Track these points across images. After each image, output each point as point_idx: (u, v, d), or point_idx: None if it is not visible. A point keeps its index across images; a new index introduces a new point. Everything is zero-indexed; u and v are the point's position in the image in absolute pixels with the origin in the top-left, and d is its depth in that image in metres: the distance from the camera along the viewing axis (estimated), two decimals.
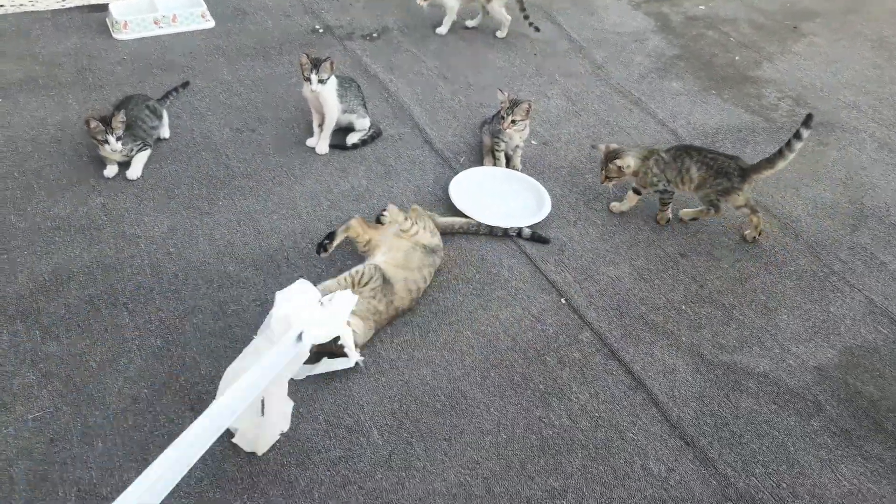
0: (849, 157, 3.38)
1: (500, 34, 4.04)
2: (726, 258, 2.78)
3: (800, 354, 2.42)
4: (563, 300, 2.54)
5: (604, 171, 2.82)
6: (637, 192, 2.88)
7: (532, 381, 2.27)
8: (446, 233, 2.71)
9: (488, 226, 2.78)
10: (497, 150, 3.09)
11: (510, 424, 2.14)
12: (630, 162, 2.78)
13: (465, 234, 2.77)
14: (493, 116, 3.12)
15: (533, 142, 3.30)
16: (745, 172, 2.73)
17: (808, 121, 2.66)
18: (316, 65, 2.89)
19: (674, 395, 2.25)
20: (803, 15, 4.63)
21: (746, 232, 2.85)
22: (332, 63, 2.93)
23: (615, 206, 2.93)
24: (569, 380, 2.28)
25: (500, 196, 2.96)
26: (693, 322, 2.51)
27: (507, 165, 3.13)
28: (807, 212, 3.04)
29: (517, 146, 3.11)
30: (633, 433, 2.14)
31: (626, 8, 4.52)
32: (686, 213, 2.89)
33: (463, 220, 2.79)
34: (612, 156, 2.79)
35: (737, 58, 4.12)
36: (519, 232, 2.78)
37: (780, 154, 2.69)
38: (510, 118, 2.96)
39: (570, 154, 3.25)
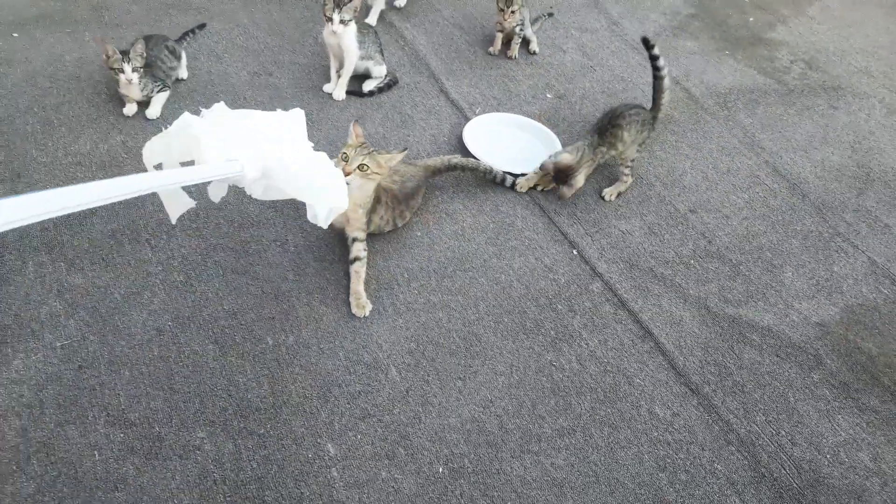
0: (858, 122, 3.41)
1: None
2: (735, 216, 2.84)
3: (803, 310, 2.49)
4: (574, 251, 2.60)
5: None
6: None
7: (543, 327, 2.34)
8: (443, 171, 2.76)
9: (487, 169, 2.79)
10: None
11: (522, 367, 2.21)
12: (566, 158, 2.69)
13: (478, 183, 2.81)
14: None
15: (548, 95, 3.32)
16: (655, 118, 2.86)
17: (647, 45, 2.78)
18: (339, 5, 2.89)
19: (680, 345, 2.33)
20: None
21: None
22: (356, 5, 2.93)
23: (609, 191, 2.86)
24: (579, 327, 2.35)
25: (511, 142, 3.00)
26: (700, 276, 2.57)
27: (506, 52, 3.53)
28: (815, 174, 3.08)
29: (514, 32, 3.46)
30: (639, 379, 2.22)
31: None
32: (610, 191, 2.83)
33: (460, 158, 2.80)
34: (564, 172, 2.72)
35: (751, 19, 4.12)
36: (513, 184, 2.82)
37: (658, 82, 2.80)
38: (509, 9, 3.33)
39: (584, 109, 3.28)
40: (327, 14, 2.91)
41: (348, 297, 2.32)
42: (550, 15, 3.85)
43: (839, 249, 2.74)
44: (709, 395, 2.20)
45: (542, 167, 2.73)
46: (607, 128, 2.73)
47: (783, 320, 2.46)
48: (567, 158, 2.66)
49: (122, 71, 2.73)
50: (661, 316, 2.41)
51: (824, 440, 2.12)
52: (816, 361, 2.33)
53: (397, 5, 3.72)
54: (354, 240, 2.41)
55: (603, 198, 2.80)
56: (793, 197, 2.96)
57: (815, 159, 3.16)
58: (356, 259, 2.38)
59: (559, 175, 2.68)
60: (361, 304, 2.30)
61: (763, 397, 2.22)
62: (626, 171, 2.80)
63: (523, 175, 2.83)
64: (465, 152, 2.90)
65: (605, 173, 2.91)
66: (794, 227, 2.82)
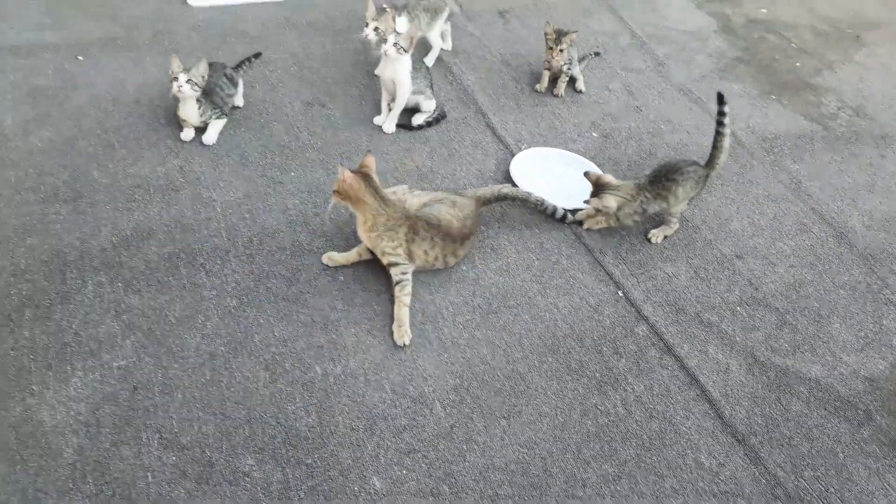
0: None
1: None
2: (781, 263, 2.83)
3: (851, 363, 2.47)
4: (620, 293, 2.61)
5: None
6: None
7: (588, 368, 2.34)
8: (492, 202, 2.79)
9: (538, 200, 2.82)
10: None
11: (567, 409, 2.22)
12: (611, 203, 2.70)
13: (523, 220, 2.83)
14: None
15: (594, 133, 3.35)
16: (707, 176, 2.83)
17: (720, 100, 2.75)
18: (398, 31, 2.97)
19: (727, 394, 2.32)
20: (866, 24, 4.61)
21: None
22: (414, 35, 2.98)
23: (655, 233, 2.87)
24: (624, 371, 2.35)
25: (557, 177, 3.04)
26: (747, 324, 2.56)
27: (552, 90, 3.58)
28: (862, 223, 3.07)
29: (561, 71, 3.51)
30: (685, 427, 2.21)
31: (688, 5, 4.53)
32: (656, 234, 2.84)
33: (513, 189, 2.84)
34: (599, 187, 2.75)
35: (798, 64, 4.13)
36: (563, 217, 2.85)
37: (718, 140, 2.79)
38: (558, 48, 3.38)
39: (629, 148, 3.30)
40: (383, 36, 2.96)
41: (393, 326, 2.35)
42: (597, 55, 3.89)
43: (888, 302, 2.72)
44: (756, 446, 2.18)
45: (585, 175, 2.77)
46: (662, 180, 2.74)
47: (831, 373, 2.44)
48: (609, 185, 2.72)
49: (176, 79, 2.79)
50: (708, 363, 2.41)
51: (875, 500, 2.09)
52: (866, 417, 2.31)
53: (444, 48, 3.74)
54: (389, 265, 2.44)
55: (649, 240, 2.81)
56: (840, 246, 2.94)
57: (862, 208, 3.15)
58: (397, 283, 2.42)
59: (597, 189, 2.73)
60: (402, 332, 2.34)
61: (811, 451, 2.20)
62: (676, 221, 2.82)
63: (576, 210, 2.87)
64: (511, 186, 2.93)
65: (652, 216, 2.90)
66: (841, 277, 2.81)
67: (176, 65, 2.80)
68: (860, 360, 2.48)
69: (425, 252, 2.48)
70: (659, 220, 2.87)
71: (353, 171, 2.38)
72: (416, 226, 2.45)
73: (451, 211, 2.56)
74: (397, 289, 2.41)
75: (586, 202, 2.76)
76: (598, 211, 2.77)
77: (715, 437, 2.19)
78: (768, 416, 2.27)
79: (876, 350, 2.53)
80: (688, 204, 2.82)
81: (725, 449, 2.17)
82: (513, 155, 3.13)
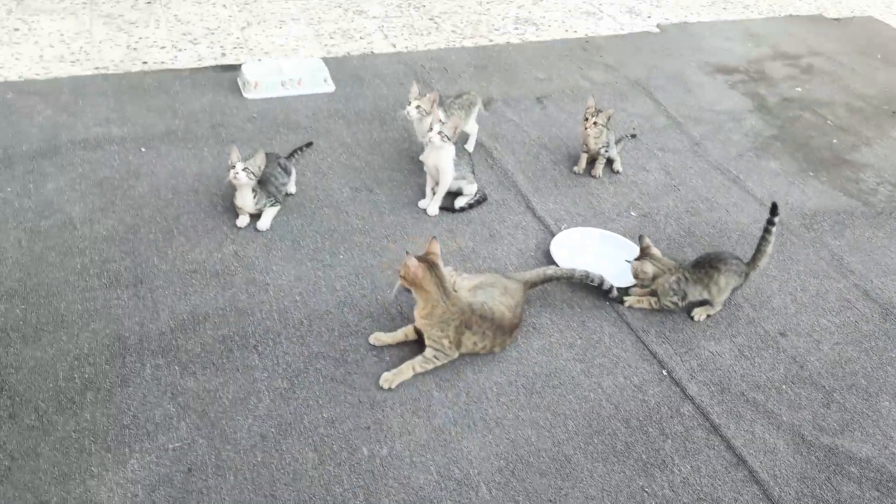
0: None
1: None
2: (826, 340, 2.82)
3: None
4: (664, 371, 2.63)
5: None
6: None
7: (634, 450, 2.35)
8: (539, 284, 2.87)
9: (587, 274, 2.88)
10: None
11: (613, 492, 2.21)
12: (648, 269, 2.81)
13: (564, 298, 2.89)
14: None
15: (632, 213, 3.42)
16: (748, 274, 2.87)
17: (773, 210, 2.81)
18: (441, 120, 3.11)
19: (775, 475, 2.29)
20: None
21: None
22: (457, 125, 3.13)
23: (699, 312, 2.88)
24: (671, 452, 2.35)
25: (598, 256, 3.10)
26: (794, 402, 2.55)
27: (590, 171, 3.69)
28: None
29: (598, 153, 3.62)
30: None
31: (722, 87, 4.64)
32: (699, 312, 2.87)
33: (557, 269, 2.93)
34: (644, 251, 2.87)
35: (834, 141, 4.17)
36: (609, 291, 2.91)
37: (763, 243, 2.84)
38: (592, 119, 3.50)
39: (668, 227, 3.36)
40: (431, 124, 3.13)
41: (440, 409, 2.40)
42: (633, 136, 4.00)
43: None
44: None
45: (640, 238, 2.92)
46: (705, 266, 2.80)
47: (882, 452, 2.40)
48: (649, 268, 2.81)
49: (234, 167, 2.96)
50: (755, 443, 2.39)
51: None
52: None
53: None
54: (430, 347, 2.53)
55: (692, 317, 2.84)
56: (886, 323, 2.92)
57: None
58: (424, 356, 2.52)
59: (642, 254, 2.86)
60: (393, 378, 2.47)
61: None
62: (720, 304, 2.85)
63: (626, 288, 2.95)
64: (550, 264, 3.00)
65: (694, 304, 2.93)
66: (888, 354, 2.78)
67: (235, 155, 2.98)
68: None
69: (474, 343, 2.55)
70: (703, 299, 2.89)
71: (419, 258, 2.46)
72: (471, 321, 2.51)
73: (504, 300, 2.63)
74: (420, 358, 2.51)
75: (628, 261, 2.87)
76: (636, 278, 2.84)
77: None
78: (819, 497, 2.23)
79: None
80: (730, 294, 2.85)
81: None
82: (552, 235, 3.21)
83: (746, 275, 2.85)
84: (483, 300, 2.58)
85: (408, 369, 2.50)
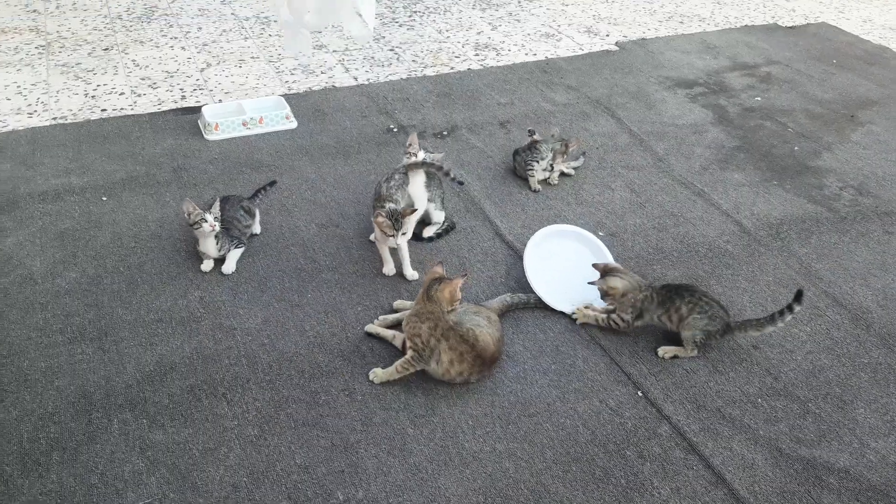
0: None
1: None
2: (798, 350, 2.82)
3: (880, 450, 2.43)
4: (639, 392, 2.61)
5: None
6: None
7: (613, 475, 2.32)
8: (505, 312, 2.89)
9: (537, 300, 2.97)
10: (530, 175, 3.73)
11: None
12: (618, 284, 2.80)
13: (539, 327, 2.87)
14: (524, 147, 3.76)
15: (600, 233, 3.42)
16: (729, 327, 2.75)
17: (798, 297, 2.68)
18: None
19: (755, 491, 2.28)
20: (860, 104, 4.73)
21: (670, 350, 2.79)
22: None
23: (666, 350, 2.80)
24: (650, 475, 2.33)
25: (568, 262, 3.14)
26: (769, 415, 2.54)
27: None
28: (877, 302, 3.07)
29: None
30: None
31: (683, 101, 4.69)
32: (666, 350, 2.78)
33: (514, 296, 2.97)
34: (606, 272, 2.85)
35: (796, 148, 4.22)
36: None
37: (770, 320, 2.72)
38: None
39: (636, 245, 3.36)
40: (412, 150, 3.20)
41: (415, 447, 2.36)
42: (583, 154, 4.02)
43: None
44: None
45: (594, 266, 2.89)
46: (671, 291, 2.77)
47: (860, 461, 2.39)
48: (617, 283, 2.80)
49: (206, 220, 2.92)
50: (733, 460, 2.38)
51: None
52: None
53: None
54: (408, 348, 2.58)
55: (657, 352, 2.78)
56: (856, 328, 2.93)
57: (875, 287, 3.15)
58: (405, 356, 2.57)
59: (605, 273, 2.84)
60: (379, 374, 2.58)
61: None
62: (692, 347, 2.75)
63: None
64: (525, 288, 2.99)
65: (666, 331, 2.86)
66: (861, 359, 2.79)
67: (196, 212, 2.94)
68: (889, 444, 2.44)
69: (451, 362, 2.53)
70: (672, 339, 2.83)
71: (436, 276, 2.59)
72: (448, 335, 2.53)
73: (490, 330, 2.64)
74: (402, 359, 2.57)
75: (591, 283, 2.86)
76: (605, 297, 2.82)
77: None
78: None
79: None
80: (703, 341, 2.73)
81: None
82: (521, 259, 3.20)
83: (728, 326, 2.73)
84: (470, 327, 2.58)
85: (393, 370, 2.58)
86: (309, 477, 2.27)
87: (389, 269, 3.11)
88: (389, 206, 3.01)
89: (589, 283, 2.87)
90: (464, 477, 2.29)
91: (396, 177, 3.17)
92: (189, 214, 2.94)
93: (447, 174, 3.25)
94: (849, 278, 3.20)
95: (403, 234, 3.00)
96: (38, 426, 2.39)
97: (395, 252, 3.11)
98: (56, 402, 2.47)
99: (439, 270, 2.62)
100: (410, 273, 3.11)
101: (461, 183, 3.43)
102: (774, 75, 5.06)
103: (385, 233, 2.97)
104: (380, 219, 2.95)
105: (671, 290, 2.78)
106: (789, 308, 2.70)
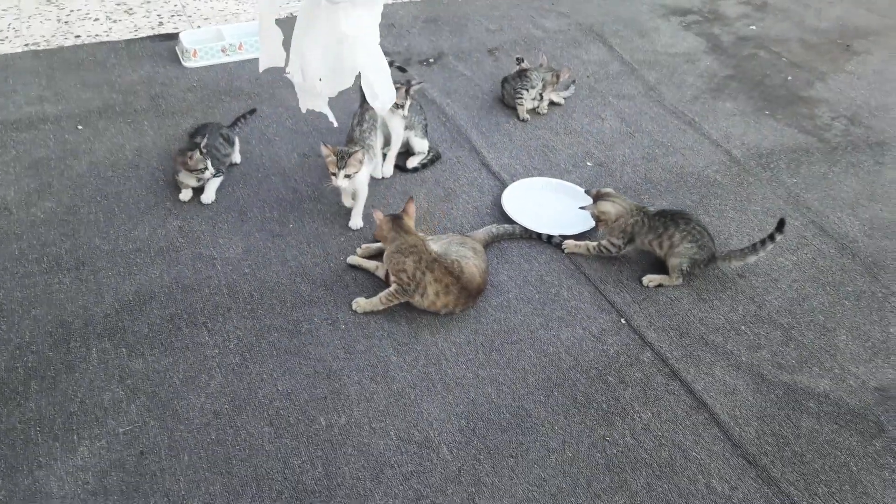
0: None
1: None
2: (783, 279, 2.81)
3: (860, 375, 2.44)
4: (622, 320, 2.60)
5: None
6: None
7: (595, 400, 2.33)
8: (490, 243, 2.86)
9: (525, 229, 2.93)
10: (519, 104, 3.64)
11: (575, 443, 2.20)
12: (609, 209, 2.76)
13: (524, 256, 2.84)
14: (513, 75, 3.68)
15: (588, 163, 3.37)
16: (714, 257, 2.73)
17: (780, 226, 2.67)
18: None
19: (735, 415, 2.29)
20: (856, 33, 4.62)
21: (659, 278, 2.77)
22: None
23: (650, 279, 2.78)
24: (631, 399, 2.33)
25: (550, 206, 3.08)
26: (752, 342, 2.54)
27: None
28: (864, 232, 3.05)
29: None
30: (695, 452, 2.19)
31: (676, 29, 4.57)
32: (651, 279, 2.76)
33: (500, 227, 2.93)
34: (598, 197, 2.82)
35: (789, 78, 4.14)
36: (549, 238, 2.91)
37: (752, 249, 2.70)
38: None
39: (625, 175, 3.31)
40: (399, 102, 3.03)
41: (398, 374, 2.36)
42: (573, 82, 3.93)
43: (894, 310, 2.69)
44: (767, 466, 2.15)
45: (586, 192, 2.88)
46: (666, 218, 2.72)
47: (840, 386, 2.41)
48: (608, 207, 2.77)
49: (207, 168, 2.90)
50: (715, 385, 2.39)
51: None
52: (878, 428, 2.27)
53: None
54: (392, 282, 2.56)
55: (641, 281, 2.76)
56: (842, 257, 2.92)
57: (863, 217, 3.13)
58: (388, 289, 2.55)
59: (597, 199, 2.80)
60: (362, 304, 2.56)
61: (824, 467, 2.16)
62: (677, 275, 2.73)
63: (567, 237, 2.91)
64: (507, 220, 2.96)
65: (652, 260, 2.84)
66: (845, 287, 2.78)
67: (197, 158, 2.88)
68: (869, 370, 2.45)
69: (436, 294, 2.51)
70: (658, 268, 2.81)
71: (389, 216, 2.57)
72: (433, 266, 2.50)
73: (476, 261, 2.62)
74: (386, 291, 2.54)
75: (582, 208, 2.82)
76: (598, 221, 2.79)
77: (726, 460, 2.16)
78: (778, 435, 2.24)
79: (884, 359, 2.49)
80: (689, 269, 2.70)
81: (737, 471, 2.14)
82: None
83: (713, 255, 2.72)
84: (455, 258, 2.56)
85: (377, 301, 2.55)
86: (291, 403, 2.26)
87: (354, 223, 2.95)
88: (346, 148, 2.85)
89: (580, 207, 2.83)
90: (446, 402, 2.30)
91: (367, 116, 3.01)
92: (195, 161, 2.88)
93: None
94: (836, 208, 3.17)
95: (347, 175, 2.77)
96: (16, 355, 2.36)
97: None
98: (33, 332, 2.43)
99: (410, 211, 2.61)
100: (355, 223, 2.93)
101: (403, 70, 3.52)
102: (770, 4, 4.94)
103: (328, 168, 2.79)
104: (325, 150, 2.79)
105: (666, 217, 2.73)
106: (771, 237, 2.68)
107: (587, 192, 2.87)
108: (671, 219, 2.73)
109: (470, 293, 2.56)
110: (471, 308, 2.60)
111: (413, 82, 3.17)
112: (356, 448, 2.15)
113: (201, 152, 2.87)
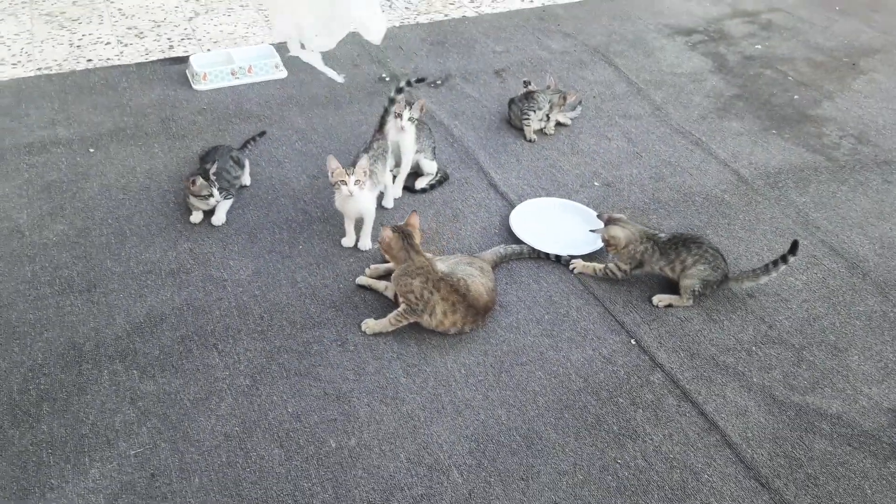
0: None
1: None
2: (794, 298, 2.80)
3: (873, 396, 2.43)
4: (632, 341, 2.60)
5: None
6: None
7: (605, 422, 2.32)
8: (499, 263, 2.86)
9: (533, 249, 2.94)
10: (525, 125, 3.66)
11: (586, 465, 2.19)
12: (619, 234, 2.75)
13: (532, 277, 2.85)
14: (520, 96, 3.69)
15: (595, 183, 3.38)
16: (726, 278, 2.74)
17: (793, 248, 2.68)
18: (410, 104, 3.06)
19: (747, 437, 2.28)
20: (862, 51, 4.63)
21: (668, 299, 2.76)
22: (423, 105, 3.13)
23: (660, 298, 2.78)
24: (642, 421, 2.32)
25: (559, 227, 3.09)
26: (763, 363, 2.53)
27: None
28: (874, 251, 3.04)
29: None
30: (707, 475, 2.17)
31: (682, 49, 4.59)
32: (661, 299, 2.75)
33: (508, 247, 2.93)
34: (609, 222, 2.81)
35: (796, 97, 4.15)
36: (558, 258, 2.92)
37: (764, 270, 2.72)
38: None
39: (632, 195, 3.32)
40: (397, 111, 3.05)
41: (408, 396, 2.36)
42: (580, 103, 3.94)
43: None
44: (780, 489, 2.14)
45: (598, 216, 2.88)
46: (677, 243, 2.71)
47: (853, 407, 2.39)
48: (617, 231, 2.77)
49: (212, 195, 2.92)
50: (726, 407, 2.37)
51: None
52: (892, 450, 2.25)
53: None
54: (401, 303, 2.56)
55: (650, 302, 2.76)
56: (853, 276, 2.91)
57: (872, 236, 3.12)
58: (398, 310, 2.56)
59: (608, 223, 2.80)
60: (371, 325, 2.57)
61: (838, 490, 2.14)
62: (688, 296, 2.72)
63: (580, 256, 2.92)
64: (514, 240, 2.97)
65: (661, 280, 2.83)
66: (856, 307, 2.77)
67: (200, 184, 2.91)
68: (882, 391, 2.44)
69: (444, 313, 2.51)
70: (668, 288, 2.80)
71: (394, 228, 2.57)
72: (439, 285, 2.51)
73: (483, 280, 2.63)
74: (395, 312, 2.55)
75: (593, 231, 2.84)
76: (608, 246, 2.78)
77: (738, 483, 2.15)
78: (791, 457, 2.22)
79: None
80: (700, 290, 2.70)
81: (750, 494, 2.12)
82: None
83: (725, 276, 2.71)
84: (461, 276, 2.56)
85: (386, 322, 2.56)
86: (301, 425, 2.26)
87: (348, 240, 2.97)
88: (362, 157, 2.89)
89: (591, 230, 2.84)
90: (456, 424, 2.29)
91: (375, 146, 3.02)
92: (198, 188, 2.91)
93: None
94: (846, 227, 3.17)
95: (357, 181, 2.75)
96: (28, 378, 2.37)
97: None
98: (45, 354, 2.45)
99: (414, 223, 2.63)
100: (364, 244, 2.94)
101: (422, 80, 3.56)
102: (776, 22, 4.95)
103: (335, 178, 2.77)
104: (332, 162, 2.80)
105: (677, 242, 2.72)
106: (783, 259, 2.68)
107: (599, 215, 2.88)
108: (683, 244, 2.72)
109: (477, 311, 2.56)
110: (480, 328, 2.60)
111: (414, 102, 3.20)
112: (366, 470, 2.15)
113: (206, 178, 2.89)
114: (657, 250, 2.73)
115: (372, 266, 2.82)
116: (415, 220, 2.63)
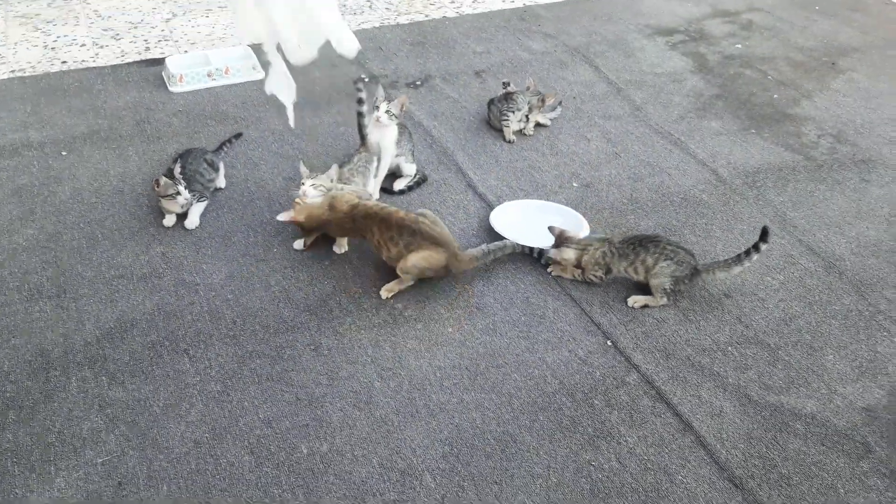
0: (892, 194, 3.37)
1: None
2: (770, 298, 2.80)
3: (847, 395, 2.42)
4: (608, 342, 2.59)
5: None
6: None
7: (580, 424, 2.31)
8: (481, 260, 2.84)
9: (514, 246, 2.91)
10: (505, 126, 3.64)
11: (560, 468, 2.17)
12: (570, 256, 2.78)
13: (509, 278, 2.83)
14: (499, 97, 3.67)
15: (574, 184, 3.37)
16: (697, 271, 2.72)
17: (764, 235, 2.68)
18: (389, 98, 3.07)
19: (722, 437, 2.27)
20: (841, 51, 4.65)
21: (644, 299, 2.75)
22: (404, 102, 3.12)
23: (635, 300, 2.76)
24: (617, 423, 2.31)
25: (539, 225, 3.04)
26: (739, 363, 2.52)
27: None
28: (850, 250, 3.04)
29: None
30: (682, 476, 2.16)
31: (662, 49, 4.59)
32: (636, 300, 2.74)
33: (486, 245, 2.90)
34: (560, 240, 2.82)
35: (775, 96, 4.15)
36: (540, 253, 2.90)
37: (737, 260, 2.72)
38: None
39: (611, 195, 3.31)
40: (376, 104, 3.06)
41: (381, 399, 2.34)
42: (552, 103, 3.93)
43: (881, 328, 2.67)
44: (754, 489, 2.13)
45: (549, 229, 2.84)
46: (634, 244, 2.72)
47: (827, 406, 2.38)
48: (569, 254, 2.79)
49: (179, 192, 2.88)
50: (701, 407, 2.36)
51: None
52: (865, 449, 2.25)
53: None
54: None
55: (626, 301, 2.75)
56: (829, 276, 2.91)
57: (849, 235, 3.12)
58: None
59: (559, 242, 2.80)
60: (390, 287, 2.70)
61: (811, 490, 2.14)
62: (661, 295, 2.71)
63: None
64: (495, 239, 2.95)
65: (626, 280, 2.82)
66: (832, 307, 2.77)
67: (166, 183, 2.89)
68: (856, 390, 2.43)
69: (390, 239, 2.67)
70: (644, 289, 2.79)
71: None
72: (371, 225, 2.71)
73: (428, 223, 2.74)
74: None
75: (550, 228, 2.85)
76: (557, 264, 2.83)
77: (712, 484, 2.14)
78: (765, 457, 2.21)
79: (872, 379, 2.47)
80: (672, 287, 2.69)
81: (724, 495, 2.11)
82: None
83: (695, 269, 2.70)
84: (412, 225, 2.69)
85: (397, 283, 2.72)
86: (272, 431, 2.24)
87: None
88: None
89: (548, 227, 2.85)
90: (430, 428, 2.27)
91: (355, 158, 3.06)
92: (162, 187, 2.88)
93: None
94: (823, 226, 3.17)
95: (314, 185, 2.84)
96: None
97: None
98: (12, 361, 2.41)
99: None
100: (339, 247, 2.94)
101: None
102: (756, 22, 4.96)
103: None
104: (302, 168, 2.95)
105: (634, 243, 2.73)
106: (755, 247, 2.68)
107: (550, 229, 2.84)
108: (640, 244, 2.72)
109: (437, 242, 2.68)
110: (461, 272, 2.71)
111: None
112: (338, 476, 2.12)
113: (170, 177, 2.86)
114: (615, 253, 2.73)
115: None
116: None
